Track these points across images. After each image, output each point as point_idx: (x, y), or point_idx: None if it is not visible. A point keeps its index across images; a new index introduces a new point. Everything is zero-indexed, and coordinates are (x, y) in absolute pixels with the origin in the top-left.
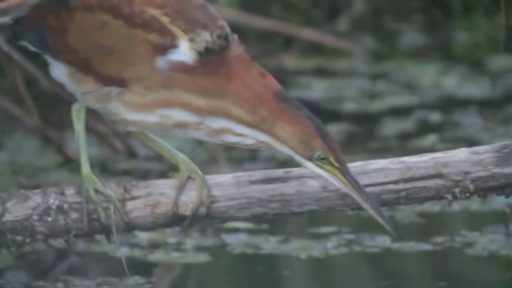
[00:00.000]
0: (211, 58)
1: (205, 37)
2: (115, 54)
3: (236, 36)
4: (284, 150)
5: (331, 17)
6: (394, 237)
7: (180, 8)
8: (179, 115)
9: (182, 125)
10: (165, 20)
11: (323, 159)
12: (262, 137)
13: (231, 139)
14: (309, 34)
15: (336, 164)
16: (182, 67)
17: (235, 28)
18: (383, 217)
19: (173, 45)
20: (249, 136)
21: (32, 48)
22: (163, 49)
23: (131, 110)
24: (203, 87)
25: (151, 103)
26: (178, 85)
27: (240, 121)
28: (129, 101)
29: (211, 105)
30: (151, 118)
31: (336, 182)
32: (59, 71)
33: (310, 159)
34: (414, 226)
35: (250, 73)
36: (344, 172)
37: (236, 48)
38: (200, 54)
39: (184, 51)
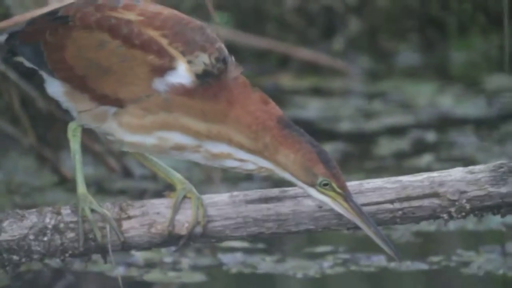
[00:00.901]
0: (211, 82)
1: (203, 59)
2: (112, 73)
3: (233, 58)
4: (286, 176)
5: (326, 36)
6: (398, 262)
7: (179, 30)
8: (177, 138)
9: (180, 148)
10: (163, 41)
11: (325, 185)
12: (264, 163)
13: (231, 164)
14: (304, 53)
15: (338, 190)
16: (182, 90)
17: (231, 47)
18: (386, 242)
19: (171, 67)
20: (250, 162)
21: (27, 64)
22: (161, 71)
23: (128, 132)
24: (204, 112)
25: (149, 125)
26: (178, 109)
27: (241, 147)
28: (127, 122)
29: (211, 130)
30: (149, 140)
31: (338, 208)
32: (54, 88)
33: (312, 185)
34: (410, 246)
35: (251, 98)
36: (347, 198)
37: (234, 70)
38: (198, 76)
39: (182, 73)
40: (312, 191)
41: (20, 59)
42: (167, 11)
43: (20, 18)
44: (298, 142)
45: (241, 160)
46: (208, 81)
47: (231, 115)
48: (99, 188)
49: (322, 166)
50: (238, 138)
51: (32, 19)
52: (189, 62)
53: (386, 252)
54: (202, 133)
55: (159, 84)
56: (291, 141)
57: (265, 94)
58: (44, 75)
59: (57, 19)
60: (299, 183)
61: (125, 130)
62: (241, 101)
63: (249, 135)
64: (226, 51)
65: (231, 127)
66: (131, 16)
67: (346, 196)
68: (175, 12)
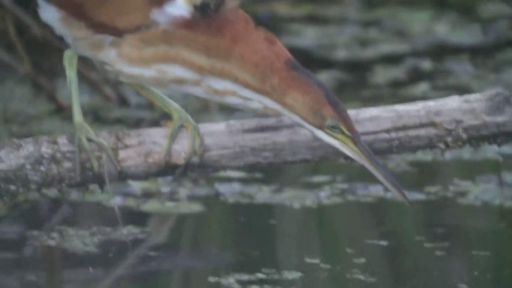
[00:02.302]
0: (212, 15)
1: None
2: (110, 2)
3: None
4: (294, 117)
5: None
6: (407, 206)
7: None
8: (178, 71)
9: (180, 82)
10: None
11: (333, 127)
12: (270, 103)
13: (234, 100)
14: None
15: (347, 132)
16: (183, 23)
17: None
18: (395, 186)
19: None
20: (256, 101)
21: None
22: (160, 1)
23: (127, 63)
24: (207, 47)
25: (149, 57)
26: (179, 42)
27: (247, 85)
28: (126, 53)
29: (215, 65)
30: (148, 72)
31: (347, 150)
32: (50, 14)
33: (320, 127)
34: (406, 175)
35: (256, 36)
36: (356, 141)
37: (231, 1)
38: (196, 8)
39: (181, 4)
40: (320, 134)
41: None
42: None
43: None
44: (307, 84)
45: (246, 98)
46: (208, 14)
47: (236, 52)
48: (95, 117)
49: (331, 108)
50: (244, 77)
51: None
52: None
53: (381, 181)
54: (205, 68)
55: (158, 15)
56: (299, 83)
57: (270, 32)
58: (39, 0)
59: None
60: (307, 125)
61: (124, 61)
62: (246, 39)
63: (256, 75)
64: None
65: (236, 64)
66: None
67: (355, 138)
68: None
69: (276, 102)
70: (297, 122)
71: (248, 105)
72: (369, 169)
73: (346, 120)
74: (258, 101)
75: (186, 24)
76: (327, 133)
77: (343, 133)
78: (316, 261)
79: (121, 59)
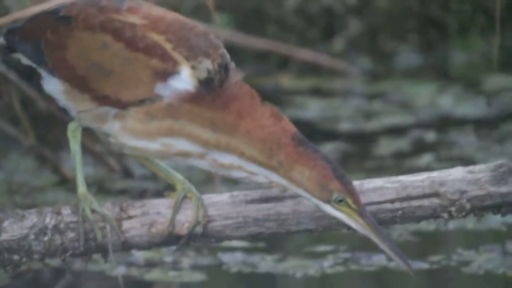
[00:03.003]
0: (216, 90)
1: (207, 65)
2: (114, 75)
3: (233, 64)
4: (300, 192)
5: (327, 37)
6: (412, 276)
7: (183, 35)
8: (183, 145)
9: (185, 155)
10: (167, 46)
11: (340, 201)
12: (277, 178)
13: (239, 174)
14: (305, 54)
15: (353, 206)
16: (188, 97)
17: (231, 48)
18: (401, 257)
19: (175, 72)
20: (262, 175)
21: (26, 61)
22: (164, 75)
23: (132, 136)
24: (213, 121)
25: (154, 131)
26: (184, 116)
27: (253, 160)
28: (131, 127)
29: (220, 140)
30: (153, 145)
31: (353, 224)
32: (53, 86)
33: (327, 201)
34: (409, 245)
35: (262, 112)
36: (362, 214)
37: (235, 76)
38: (201, 82)
39: (186, 78)
40: (327, 208)
41: (19, 56)
42: (170, 15)
43: (19, 14)
44: (313, 159)
45: (252, 173)
46: (213, 88)
47: (242, 128)
48: (99, 188)
49: (337, 182)
50: (250, 152)
51: (33, 15)
52: (193, 67)
53: (387, 253)
54: (211, 142)
55: (163, 89)
56: (306, 158)
57: (275, 107)
58: (43, 72)
59: (59, 18)
60: (314, 200)
61: (128, 134)
62: (252, 114)
63: (263, 150)
64: (228, 57)
65: (242, 140)
66: (135, 19)
67: (361, 211)
68: (179, 16)
69: (282, 177)
70: (303, 196)
71: (253, 179)
72: (374, 241)
73: (352, 193)
74: (264, 176)
75: (191, 98)
76: (333, 206)
77: (349, 206)
78: None
79: (125, 132)
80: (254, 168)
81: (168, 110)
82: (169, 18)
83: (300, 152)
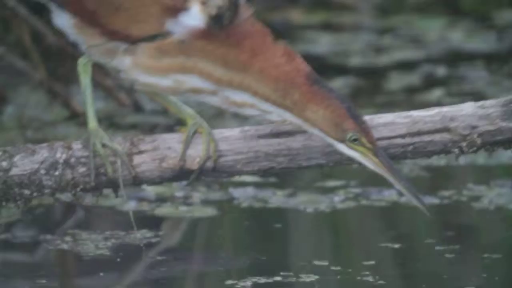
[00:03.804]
0: (229, 27)
1: (217, 1)
2: (124, 10)
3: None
4: (314, 131)
5: None
6: (428, 216)
7: None
8: (195, 82)
9: (197, 91)
10: None
11: (355, 140)
12: (290, 117)
13: (252, 112)
14: None
15: (368, 145)
16: (200, 34)
17: None
18: (416, 197)
19: (185, 7)
20: (275, 114)
21: None
22: (174, 11)
23: (143, 72)
24: (225, 59)
25: (166, 67)
26: (197, 53)
27: (267, 99)
28: (142, 63)
29: (233, 78)
30: (164, 82)
31: (368, 163)
32: (63, 20)
33: (342, 140)
34: (420, 180)
35: (275, 50)
36: (377, 153)
37: (245, 11)
38: (211, 18)
39: (196, 14)
40: (341, 147)
41: None
42: None
43: None
44: (328, 98)
45: (265, 111)
46: (224, 25)
47: (256, 66)
48: (110, 123)
49: (352, 121)
50: (263, 91)
51: None
52: (203, 3)
53: (401, 192)
54: (223, 80)
55: (174, 25)
56: (320, 98)
57: (288, 46)
58: (53, 6)
59: None
60: (328, 139)
61: (139, 70)
62: (265, 53)
63: (276, 89)
64: None
65: (255, 78)
66: None
67: (376, 150)
68: None
69: (296, 116)
70: (317, 135)
71: (266, 117)
72: (389, 180)
73: (367, 132)
74: (278, 115)
75: (203, 35)
76: (348, 145)
77: (364, 145)
78: (329, 264)
79: (136, 68)
80: (267, 106)
81: (180, 46)
82: None
83: (315, 91)
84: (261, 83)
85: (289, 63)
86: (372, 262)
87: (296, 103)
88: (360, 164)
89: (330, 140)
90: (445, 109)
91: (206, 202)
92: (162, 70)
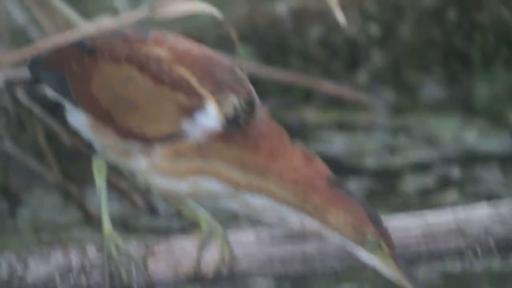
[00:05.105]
0: (249, 130)
1: (233, 100)
2: (139, 109)
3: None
4: (334, 236)
5: (350, 69)
6: None
7: (208, 70)
8: (213, 185)
9: (215, 195)
10: (193, 80)
11: (374, 244)
12: (311, 221)
13: (271, 219)
14: (328, 87)
15: (387, 250)
16: (219, 136)
17: (254, 80)
18: None
19: (201, 107)
20: (294, 219)
21: (50, 93)
22: (190, 110)
23: (160, 175)
24: (243, 162)
25: (183, 170)
26: (215, 156)
27: (287, 203)
28: (159, 165)
29: (252, 181)
30: (182, 185)
31: (386, 269)
32: (77, 118)
33: (361, 244)
34: (435, 286)
35: (294, 153)
36: (395, 259)
37: (261, 112)
38: (228, 120)
39: (212, 114)
40: (359, 251)
41: (43, 87)
42: (196, 47)
43: (43, 45)
44: (348, 201)
45: (284, 218)
46: (241, 126)
47: (274, 170)
48: (124, 225)
49: (373, 226)
50: (283, 194)
51: (58, 48)
52: (219, 102)
53: None
54: (242, 183)
55: (190, 126)
56: (341, 201)
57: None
58: (67, 104)
59: (84, 48)
60: (347, 242)
61: (156, 173)
62: (283, 155)
63: (297, 193)
64: (254, 93)
65: (275, 182)
66: (160, 51)
67: (394, 256)
68: (205, 49)
69: (317, 220)
70: (336, 239)
71: (286, 222)
72: (405, 286)
73: (387, 237)
74: (297, 220)
75: (220, 137)
76: (366, 249)
77: (382, 250)
78: None
79: (153, 170)
80: (287, 211)
81: (197, 149)
82: (195, 51)
83: (335, 195)
84: (280, 187)
85: (308, 165)
86: None
87: (316, 207)
88: (375, 269)
89: (349, 244)
90: (459, 211)
91: None
92: (179, 173)
